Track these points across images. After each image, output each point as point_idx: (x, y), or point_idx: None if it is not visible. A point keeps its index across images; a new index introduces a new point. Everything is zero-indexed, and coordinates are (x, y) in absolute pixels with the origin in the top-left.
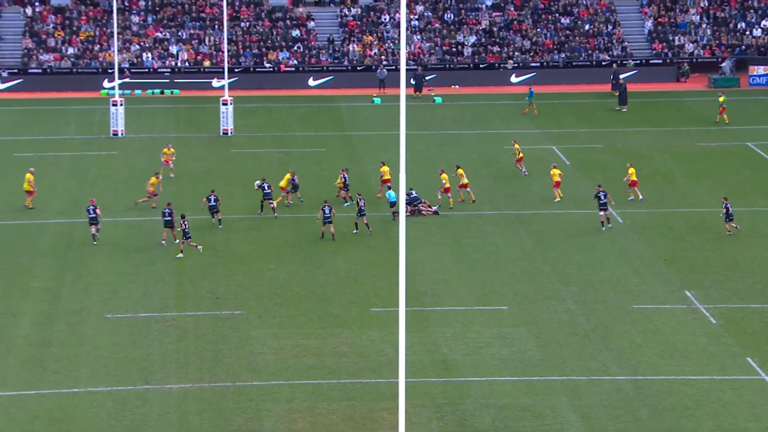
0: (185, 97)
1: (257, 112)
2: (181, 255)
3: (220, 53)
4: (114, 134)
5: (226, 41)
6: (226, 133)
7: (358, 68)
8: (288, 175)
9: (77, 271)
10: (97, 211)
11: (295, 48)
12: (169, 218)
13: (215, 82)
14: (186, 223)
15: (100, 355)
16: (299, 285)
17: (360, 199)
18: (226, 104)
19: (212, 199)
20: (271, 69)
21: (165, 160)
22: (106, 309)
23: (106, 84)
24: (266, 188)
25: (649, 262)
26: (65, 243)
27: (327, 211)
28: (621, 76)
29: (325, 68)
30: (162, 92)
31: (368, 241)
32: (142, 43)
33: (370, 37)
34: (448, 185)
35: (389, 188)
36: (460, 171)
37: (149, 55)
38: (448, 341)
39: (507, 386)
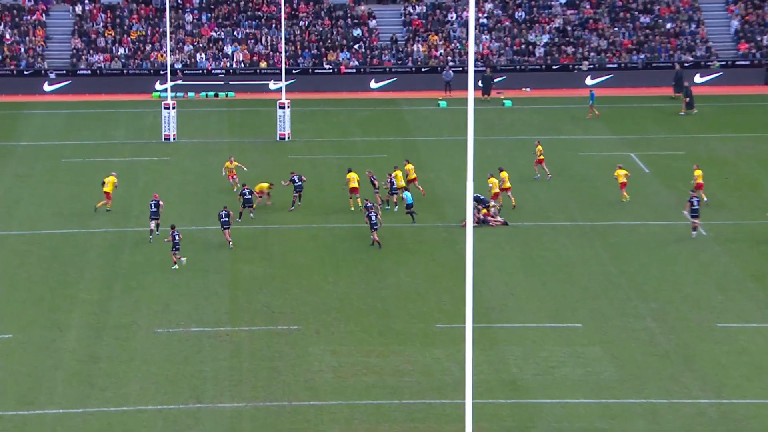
0: (240, 100)
1: (316, 115)
2: (176, 267)
3: (277, 54)
4: (166, 139)
5: (283, 41)
6: (283, 138)
7: (423, 70)
8: (265, 186)
9: (127, 283)
10: (161, 204)
11: (356, 48)
12: (226, 219)
13: (272, 85)
14: (177, 234)
15: (149, 371)
16: (359, 299)
17: (369, 205)
18: (283, 108)
19: (246, 193)
20: (331, 70)
21: (229, 175)
22: (156, 323)
23: (157, 86)
24: (247, 194)
25: (734, 277)
26: (114, 253)
27: (373, 217)
28: (680, 77)
29: (387, 70)
30: (216, 95)
31: (433, 253)
32: (195, 43)
33: (436, 37)
34: (496, 190)
35: (405, 189)
36: (504, 174)
37: (203, 55)
38: (518, 360)
39: (581, 409)
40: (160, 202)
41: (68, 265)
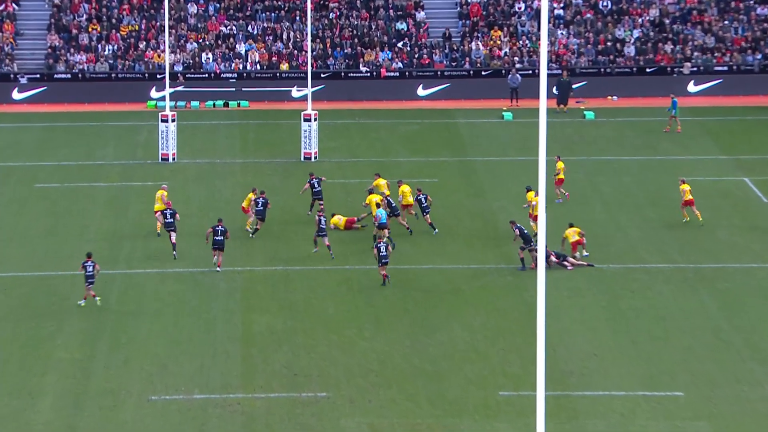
0: (256, 111)
1: (349, 130)
2: (82, 303)
3: (302, 53)
4: (164, 159)
5: (309, 38)
6: (309, 158)
7: (483, 73)
8: (251, 195)
9: (115, 338)
10: (177, 217)
11: (400, 46)
12: (221, 239)
13: (295, 92)
14: (92, 264)
15: None
16: (403, 359)
17: (320, 216)
18: (309, 120)
19: (260, 203)
20: (369, 74)
21: (248, 209)
22: (150, 389)
23: (153, 93)
24: (260, 204)
25: None
26: (100, 301)
27: (383, 248)
28: None
29: (439, 73)
30: (226, 104)
31: (495, 302)
32: (200, 40)
33: (500, 32)
34: (573, 240)
35: (378, 206)
36: (531, 194)
37: (209, 55)
38: None
39: None
40: (177, 215)
41: (43, 316)
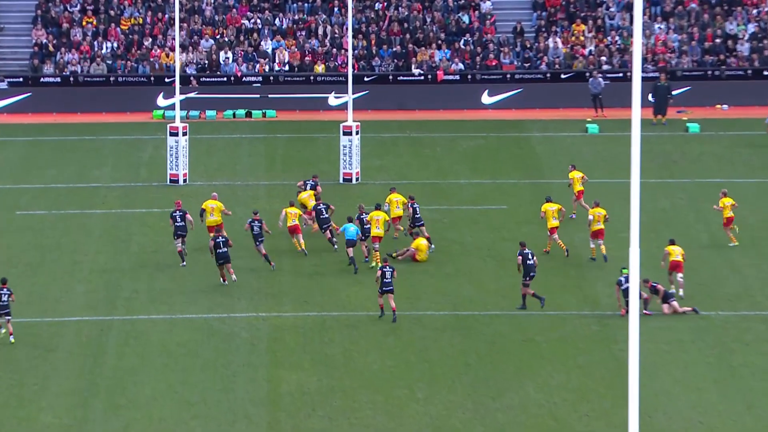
0: (285, 122)
1: (399, 146)
2: (11, 339)
3: (342, 52)
4: (172, 180)
5: (350, 33)
6: (349, 180)
7: (563, 76)
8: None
9: (112, 399)
10: (188, 217)
11: (462, 44)
12: (224, 250)
13: (333, 99)
14: (8, 294)
15: None
16: (464, 426)
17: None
18: (349, 134)
19: (255, 227)
20: (422, 77)
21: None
22: None
23: (161, 101)
24: (256, 228)
25: None
26: (93, 353)
27: (388, 275)
28: None
29: (509, 76)
30: (249, 114)
31: (577, 357)
32: (218, 36)
33: (583, 27)
34: (598, 226)
35: (349, 220)
36: (546, 206)
37: (229, 54)
38: None
39: None
40: (188, 215)
41: (25, 371)
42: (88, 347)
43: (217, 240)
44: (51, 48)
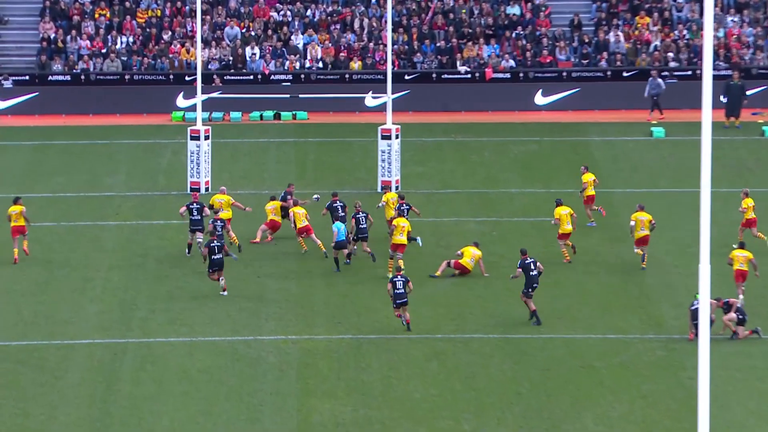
0: (317, 125)
1: (443, 151)
2: None
3: (380, 47)
4: (194, 189)
5: (390, 26)
6: (388, 188)
7: (625, 75)
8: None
9: (126, 431)
10: (206, 211)
11: (513, 38)
12: (218, 257)
13: (370, 99)
14: None
15: None
16: None
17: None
18: (388, 137)
19: (218, 226)
20: (469, 76)
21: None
22: None
23: (180, 101)
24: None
25: None
26: (106, 379)
27: (399, 285)
28: None
29: (565, 74)
30: (277, 116)
31: (640, 385)
32: (244, 30)
33: (648, 19)
34: (643, 232)
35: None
36: (559, 210)
37: (256, 50)
38: None
39: None
40: (205, 207)
41: (31, 399)
42: (100, 373)
43: (212, 245)
44: (60, 43)
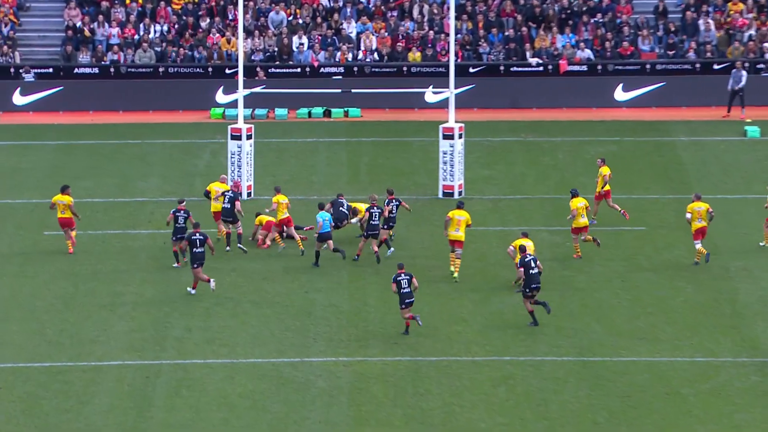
0: (372, 123)
1: (513, 152)
2: None
3: (442, 37)
4: (234, 194)
5: (453, 14)
6: (451, 194)
7: (716, 67)
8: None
9: None
10: (192, 220)
11: (590, 27)
12: (200, 250)
13: (431, 94)
14: None
15: None
16: None
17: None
18: (451, 137)
19: (181, 218)
20: (541, 69)
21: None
22: None
23: (220, 97)
24: (180, 220)
25: None
26: (137, 404)
27: (405, 283)
28: None
29: (648, 67)
30: (327, 113)
31: (734, 414)
32: (291, 18)
33: (741, 6)
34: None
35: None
36: (575, 201)
37: (304, 40)
38: None
39: None
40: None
41: (55, 427)
42: (131, 398)
43: (193, 237)
44: (87, 32)
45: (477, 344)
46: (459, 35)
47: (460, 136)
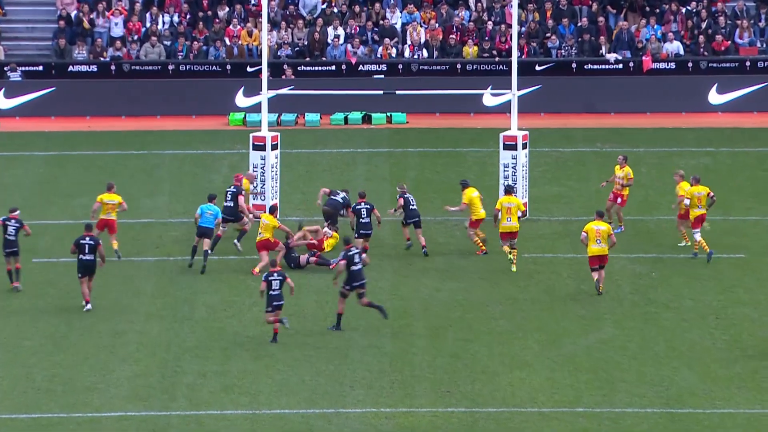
0: (419, 131)
1: (586, 165)
2: None
3: (502, 29)
4: (258, 216)
5: (516, 1)
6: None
7: None
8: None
9: None
10: (101, 250)
11: (681, 14)
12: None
13: (489, 96)
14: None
15: None
16: None
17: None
18: (513, 147)
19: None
20: (620, 65)
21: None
22: None
23: (240, 99)
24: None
25: None
26: None
27: (276, 284)
28: None
29: (748, 64)
30: (367, 118)
31: None
32: (324, 6)
33: None
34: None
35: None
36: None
37: (339, 32)
38: None
39: None
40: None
41: None
42: None
43: (81, 242)
44: (85, 23)
45: (544, 393)
46: (523, 26)
47: (525, 146)
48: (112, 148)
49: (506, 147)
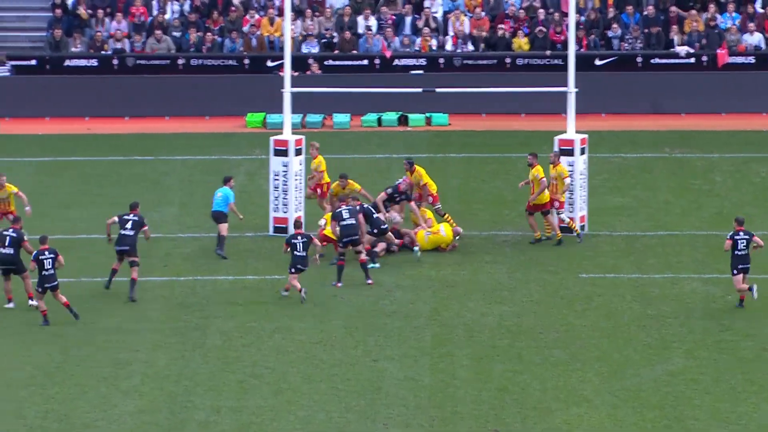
0: (463, 134)
1: (653, 173)
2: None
3: (555, 20)
4: (279, 229)
5: None
6: (568, 230)
7: None
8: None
9: None
10: (60, 261)
11: (760, 5)
12: (51, 259)
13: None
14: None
15: None
16: None
17: None
18: (570, 152)
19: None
20: (692, 60)
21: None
22: None
23: (260, 98)
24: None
25: None
26: None
27: (300, 246)
28: None
29: None
30: (404, 119)
31: None
32: None
33: None
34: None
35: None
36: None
37: (372, 22)
38: None
39: None
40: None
41: None
42: None
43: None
44: (83, 13)
45: (605, 431)
46: (582, 15)
47: (583, 152)
48: (113, 153)
49: (562, 152)
